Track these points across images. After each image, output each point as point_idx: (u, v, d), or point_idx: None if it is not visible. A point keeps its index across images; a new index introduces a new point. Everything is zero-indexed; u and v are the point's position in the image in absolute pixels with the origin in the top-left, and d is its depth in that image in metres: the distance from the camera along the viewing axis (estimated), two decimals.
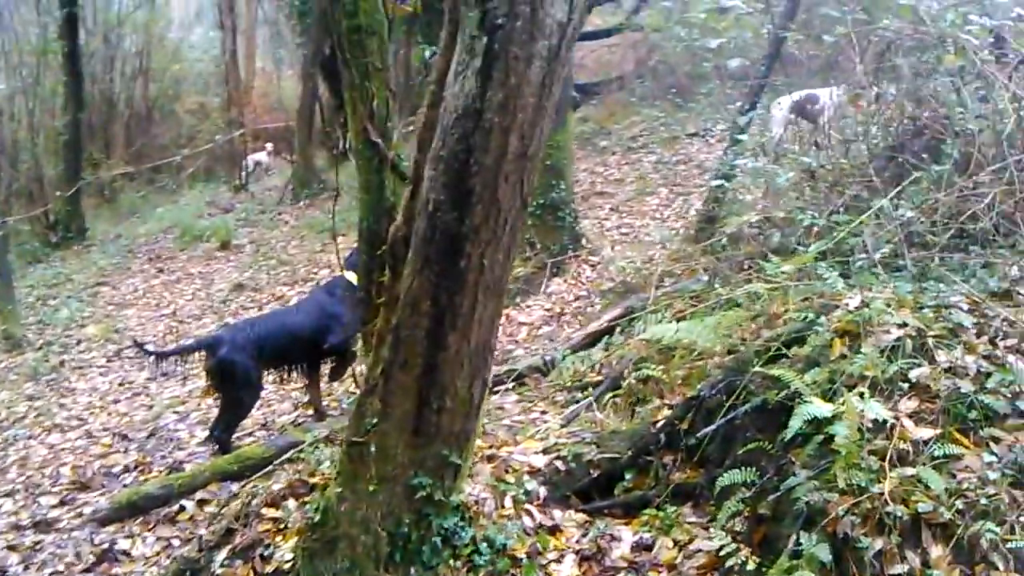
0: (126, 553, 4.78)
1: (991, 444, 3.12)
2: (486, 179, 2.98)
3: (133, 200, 18.97)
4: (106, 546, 4.83)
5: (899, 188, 4.88)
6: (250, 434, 6.04)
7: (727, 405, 3.80)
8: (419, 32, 11.96)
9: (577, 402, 5.15)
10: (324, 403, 6.15)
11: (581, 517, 3.85)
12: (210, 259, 12.75)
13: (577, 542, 3.67)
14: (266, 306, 9.74)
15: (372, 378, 3.42)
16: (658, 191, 10.48)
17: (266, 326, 6.04)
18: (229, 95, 21.00)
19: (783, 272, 4.56)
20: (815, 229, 5.03)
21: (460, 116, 2.94)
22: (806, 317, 3.98)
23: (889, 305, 3.80)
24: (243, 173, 17.70)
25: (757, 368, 3.76)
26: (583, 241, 8.54)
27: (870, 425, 3.23)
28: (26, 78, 18.51)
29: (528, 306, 7.44)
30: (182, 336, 9.26)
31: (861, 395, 3.32)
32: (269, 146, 18.45)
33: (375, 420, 3.37)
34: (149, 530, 4.95)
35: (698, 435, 3.84)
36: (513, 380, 5.74)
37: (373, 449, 3.38)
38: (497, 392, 5.54)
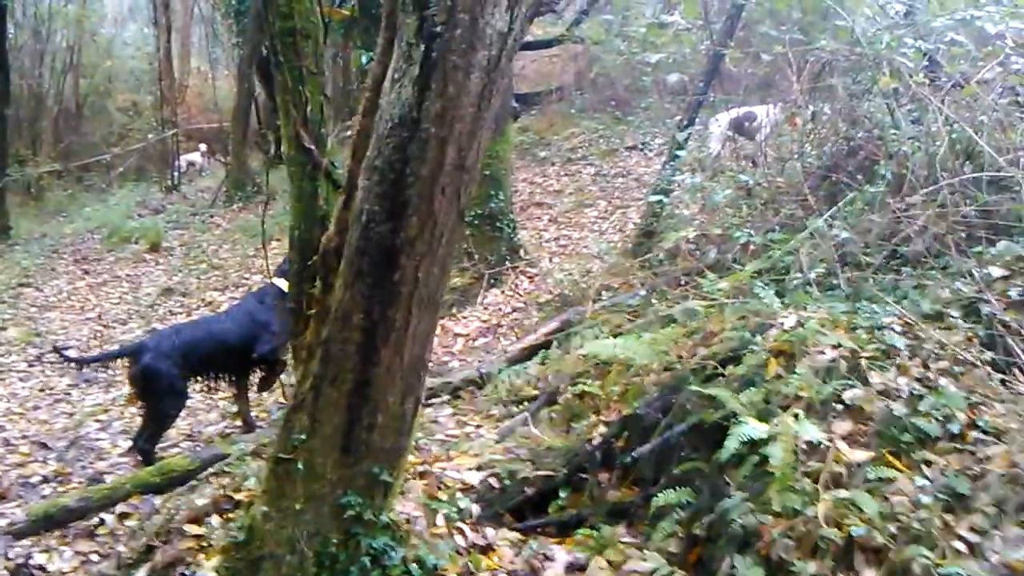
0: (42, 568, 4.56)
1: (924, 467, 3.13)
2: (422, 190, 2.90)
3: (60, 199, 18.47)
4: (21, 560, 4.61)
5: (834, 208, 4.92)
6: (175, 445, 5.85)
7: (663, 423, 3.78)
8: (357, 37, 11.84)
9: (513, 416, 5.10)
10: (253, 414, 5.99)
11: (515, 536, 3.78)
12: (138, 261, 12.41)
13: (511, 562, 3.60)
14: (196, 311, 9.51)
15: (301, 393, 3.31)
16: (597, 203, 10.50)
17: (192, 333, 5.87)
18: (162, 93, 20.59)
19: (719, 289, 4.56)
20: (751, 246, 5.05)
21: (396, 125, 2.85)
22: (742, 336, 3.98)
23: (824, 325, 3.81)
24: (175, 173, 17.32)
25: (693, 387, 3.74)
26: (521, 252, 8.47)
27: (805, 447, 3.23)
28: None
29: (464, 317, 7.36)
30: (107, 341, 8.99)
31: (796, 416, 3.32)
32: (203, 146, 18.14)
33: (303, 436, 3.27)
34: (67, 544, 4.72)
35: (634, 453, 3.80)
36: (448, 393, 5.66)
37: (301, 466, 3.28)
38: (431, 405, 5.46)
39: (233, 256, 11.39)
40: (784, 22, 6.31)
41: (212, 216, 14.08)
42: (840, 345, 3.63)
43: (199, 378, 5.88)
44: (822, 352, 3.63)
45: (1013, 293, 3.85)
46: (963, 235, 4.45)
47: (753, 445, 3.25)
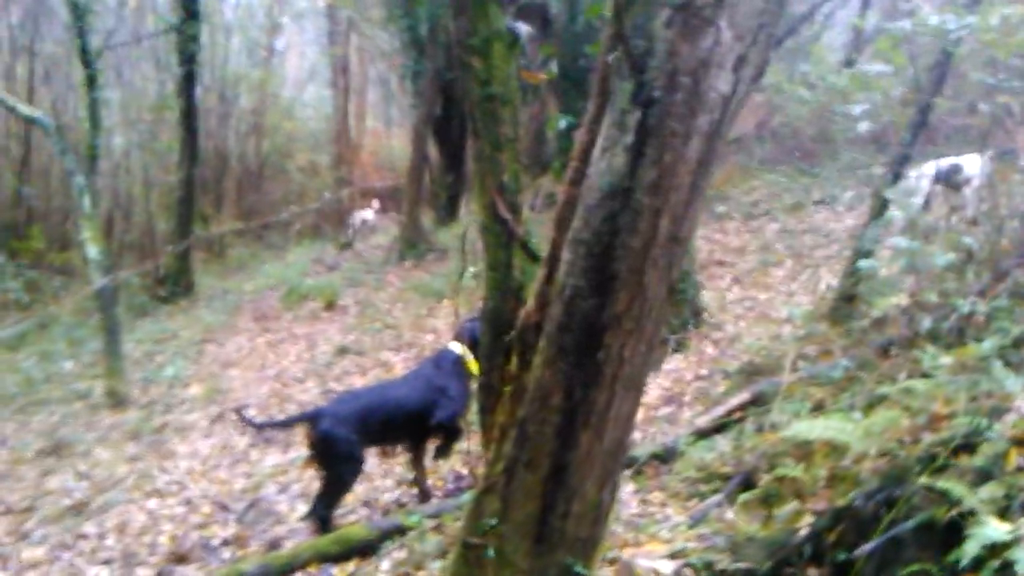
0: None
1: None
2: (632, 264, 2.69)
3: (241, 256, 19.23)
4: None
5: None
6: (352, 511, 5.78)
7: (886, 518, 3.38)
8: (547, 97, 11.82)
9: (702, 496, 4.75)
10: (429, 481, 5.86)
11: None
12: (315, 319, 12.57)
13: None
14: (370, 372, 9.54)
15: (492, 475, 3.12)
16: (783, 262, 9.90)
17: (370, 399, 5.82)
18: (339, 153, 21.28)
19: (942, 365, 4.11)
20: (974, 316, 4.57)
21: (606, 195, 2.65)
22: (975, 421, 3.54)
23: None
24: (349, 231, 17.71)
25: (923, 479, 3.33)
26: (704, 315, 8.06)
27: None
28: (143, 133, 19.08)
29: (645, 385, 7.01)
30: (285, 399, 9.12)
31: None
32: (375, 203, 18.46)
33: (494, 521, 3.08)
34: None
35: (851, 551, 3.41)
36: (630, 467, 5.36)
37: (491, 553, 3.08)
38: None
39: (406, 315, 11.38)
40: (999, 69, 5.79)
41: (386, 274, 14.15)
42: None
43: (376, 444, 5.81)
44: None
45: None
46: None
47: (993, 548, 2.85)
